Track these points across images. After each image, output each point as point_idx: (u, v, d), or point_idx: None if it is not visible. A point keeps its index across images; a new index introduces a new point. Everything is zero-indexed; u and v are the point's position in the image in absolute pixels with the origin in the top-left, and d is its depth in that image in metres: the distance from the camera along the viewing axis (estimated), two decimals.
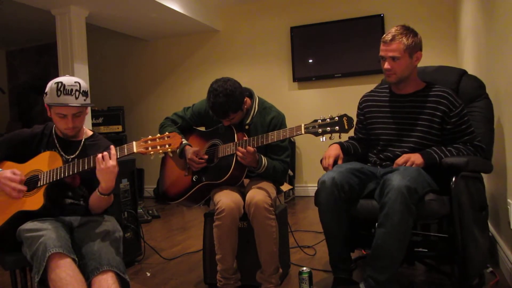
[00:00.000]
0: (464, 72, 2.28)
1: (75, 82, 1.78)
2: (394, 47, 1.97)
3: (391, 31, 2.01)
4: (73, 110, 1.78)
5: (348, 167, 2.00)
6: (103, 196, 1.73)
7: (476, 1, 3.04)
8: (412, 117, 2.04)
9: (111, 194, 1.75)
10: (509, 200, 2.12)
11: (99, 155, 1.66)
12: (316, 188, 1.99)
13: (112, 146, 1.69)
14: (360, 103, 2.29)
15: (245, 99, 2.22)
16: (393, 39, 1.97)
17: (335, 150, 2.13)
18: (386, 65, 2.01)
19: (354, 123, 1.99)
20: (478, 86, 2.21)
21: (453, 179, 1.84)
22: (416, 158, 1.93)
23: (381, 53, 2.03)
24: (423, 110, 2.02)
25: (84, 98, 1.79)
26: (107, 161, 1.65)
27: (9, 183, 1.72)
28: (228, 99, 2.07)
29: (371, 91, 2.30)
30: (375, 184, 1.98)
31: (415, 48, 2.00)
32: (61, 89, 1.75)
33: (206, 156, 2.19)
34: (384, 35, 2.03)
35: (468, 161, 1.86)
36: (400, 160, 1.95)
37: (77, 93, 1.76)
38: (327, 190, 1.93)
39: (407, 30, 2.00)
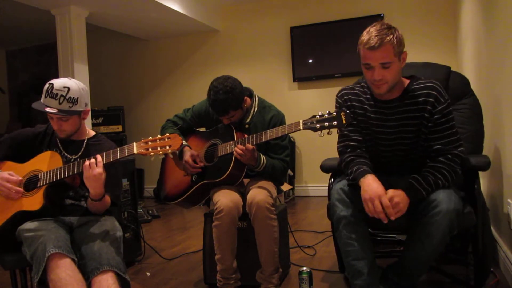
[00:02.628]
0: (449, 69, 2.26)
1: (64, 87, 1.76)
2: (383, 52, 1.65)
3: (371, 32, 1.66)
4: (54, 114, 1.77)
5: None
6: (95, 202, 1.74)
7: (476, 1, 3.04)
8: (402, 124, 1.80)
9: (102, 199, 1.74)
10: (509, 200, 2.12)
11: (86, 162, 1.66)
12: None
13: (98, 155, 1.68)
14: (343, 100, 1.91)
15: (245, 98, 2.22)
16: (381, 43, 1.63)
17: (379, 188, 1.66)
18: (376, 75, 1.69)
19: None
20: (465, 83, 2.20)
21: (476, 182, 1.86)
22: (403, 204, 1.65)
23: (367, 61, 1.69)
24: (412, 115, 1.78)
25: (70, 105, 1.76)
26: (93, 169, 1.64)
27: (5, 184, 1.72)
28: (228, 96, 2.07)
29: (351, 88, 1.94)
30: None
31: (401, 48, 1.70)
32: (49, 90, 1.76)
33: (201, 164, 2.19)
34: (365, 39, 1.67)
35: (489, 161, 1.87)
36: (392, 214, 1.63)
37: (61, 98, 1.75)
38: (342, 199, 1.76)
39: (390, 29, 1.67)
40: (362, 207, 1.72)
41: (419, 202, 1.69)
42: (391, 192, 1.66)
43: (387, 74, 1.69)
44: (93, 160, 1.66)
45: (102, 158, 1.68)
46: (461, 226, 1.72)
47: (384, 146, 1.87)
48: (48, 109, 1.74)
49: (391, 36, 1.65)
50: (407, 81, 1.82)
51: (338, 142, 1.94)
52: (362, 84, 1.91)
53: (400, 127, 1.81)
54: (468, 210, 1.79)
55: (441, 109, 1.74)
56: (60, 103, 1.75)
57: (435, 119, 1.74)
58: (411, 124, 1.79)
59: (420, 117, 1.77)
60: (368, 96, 1.87)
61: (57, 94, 1.75)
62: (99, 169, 1.65)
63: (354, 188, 1.76)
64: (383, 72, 1.68)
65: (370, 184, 1.67)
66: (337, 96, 1.97)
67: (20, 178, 1.77)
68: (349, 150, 1.88)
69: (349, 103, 1.90)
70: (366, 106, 1.86)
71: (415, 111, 1.77)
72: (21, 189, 1.74)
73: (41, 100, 1.77)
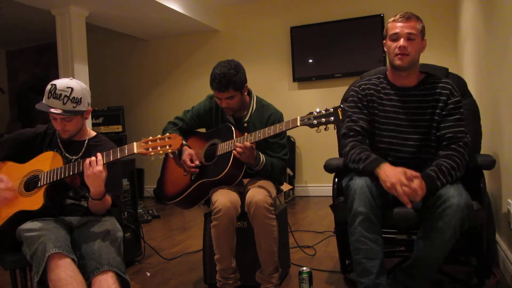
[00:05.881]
0: (447, 70, 2.27)
1: (67, 87, 1.76)
2: (412, 24, 1.88)
3: (400, 12, 1.95)
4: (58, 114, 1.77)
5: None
6: (95, 201, 1.73)
7: (476, 1, 3.04)
8: (416, 113, 1.91)
9: (102, 198, 1.74)
10: (509, 200, 2.12)
11: (87, 161, 1.66)
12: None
13: (98, 153, 1.69)
14: (361, 89, 2.02)
15: (245, 91, 2.23)
16: (410, 17, 1.90)
17: (397, 174, 1.70)
18: (402, 42, 1.86)
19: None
20: (463, 84, 2.22)
21: (482, 181, 1.87)
22: (422, 191, 1.69)
23: (395, 30, 1.89)
24: (426, 104, 1.90)
25: (74, 105, 1.76)
26: (94, 167, 1.64)
27: None
28: (231, 71, 2.13)
29: (367, 79, 2.06)
30: None
31: (423, 33, 1.92)
32: (52, 91, 1.75)
33: (197, 163, 2.18)
34: (396, 15, 1.94)
35: (494, 160, 1.91)
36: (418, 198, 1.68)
37: (65, 98, 1.74)
38: (364, 195, 1.74)
39: (416, 15, 1.94)
40: (382, 203, 1.76)
41: (428, 198, 1.70)
42: (410, 174, 1.69)
43: (410, 46, 1.87)
44: (93, 158, 1.66)
45: (103, 157, 1.68)
46: (472, 222, 1.73)
47: (399, 133, 1.93)
48: (52, 110, 1.74)
49: (417, 17, 1.92)
50: (422, 75, 1.98)
51: (344, 126, 2.00)
52: (378, 75, 2.05)
53: (415, 116, 1.92)
54: (478, 207, 1.80)
55: (455, 101, 1.88)
56: (64, 104, 1.75)
57: (448, 109, 1.88)
58: (426, 113, 1.91)
59: (434, 107, 1.90)
60: (384, 85, 2.00)
61: (60, 94, 1.75)
62: (100, 167, 1.65)
63: (377, 186, 1.77)
64: (407, 42, 1.86)
65: (388, 172, 1.73)
66: (354, 87, 2.07)
67: (10, 184, 1.77)
68: (352, 134, 1.97)
69: (367, 91, 2.01)
70: (382, 95, 1.99)
71: (430, 101, 1.91)
72: (10, 194, 1.74)
73: (44, 101, 1.77)
